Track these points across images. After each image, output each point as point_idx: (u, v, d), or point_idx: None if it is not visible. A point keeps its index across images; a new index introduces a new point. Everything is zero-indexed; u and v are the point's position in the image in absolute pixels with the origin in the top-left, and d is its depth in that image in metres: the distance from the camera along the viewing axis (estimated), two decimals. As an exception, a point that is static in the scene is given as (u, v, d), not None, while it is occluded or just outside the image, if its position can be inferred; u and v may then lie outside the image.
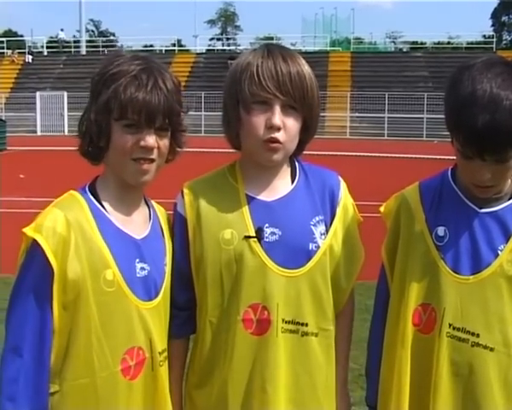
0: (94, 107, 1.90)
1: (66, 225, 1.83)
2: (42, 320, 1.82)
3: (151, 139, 1.87)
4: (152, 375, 1.96)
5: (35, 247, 1.82)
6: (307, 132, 2.06)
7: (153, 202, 2.11)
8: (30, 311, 1.82)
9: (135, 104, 1.84)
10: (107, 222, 1.92)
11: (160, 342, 1.98)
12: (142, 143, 1.87)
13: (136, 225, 1.98)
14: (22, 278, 1.84)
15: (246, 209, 2.02)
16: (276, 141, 1.96)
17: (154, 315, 1.96)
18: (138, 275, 1.93)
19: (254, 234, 1.99)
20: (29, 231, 1.83)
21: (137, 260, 1.93)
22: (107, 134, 1.89)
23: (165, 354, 2.02)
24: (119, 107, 1.85)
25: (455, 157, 1.99)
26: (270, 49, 2.00)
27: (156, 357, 1.96)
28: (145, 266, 1.94)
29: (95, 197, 1.94)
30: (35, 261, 1.82)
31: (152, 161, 1.90)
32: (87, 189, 1.96)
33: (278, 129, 1.95)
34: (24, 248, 1.85)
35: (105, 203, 1.94)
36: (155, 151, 1.90)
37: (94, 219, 1.89)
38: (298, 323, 2.01)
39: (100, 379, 1.87)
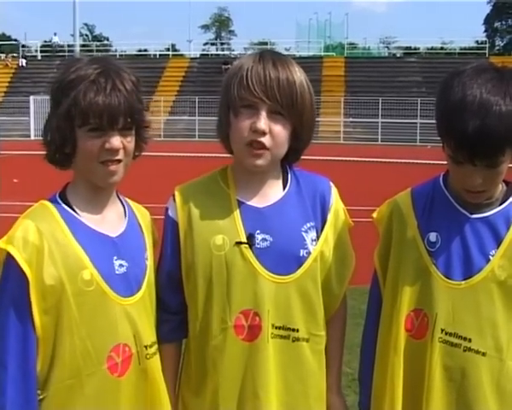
0: (56, 116, 1.92)
1: (38, 234, 1.85)
2: (24, 330, 1.83)
3: (116, 141, 1.89)
4: (140, 369, 1.96)
5: (9, 259, 1.84)
6: (299, 140, 2.06)
7: (128, 200, 2.13)
8: (11, 322, 1.83)
9: (95, 109, 1.85)
10: (80, 225, 1.93)
11: (148, 336, 1.99)
12: (108, 145, 1.88)
13: (110, 223, 2.00)
14: (1, 290, 1.86)
15: (237, 215, 2.03)
16: (261, 146, 1.97)
17: (139, 309, 1.97)
18: (117, 272, 1.94)
19: (246, 240, 2.00)
20: (1, 243, 1.85)
21: (115, 257, 1.95)
22: (72, 141, 1.90)
23: (156, 346, 2.03)
24: (80, 114, 1.86)
25: (447, 162, 2.00)
26: (263, 54, 2.02)
27: (142, 351, 1.96)
28: (123, 262, 1.96)
29: (66, 203, 1.95)
30: (11, 273, 1.84)
31: (119, 161, 1.92)
32: (57, 196, 1.98)
33: (263, 133, 1.95)
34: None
35: (76, 207, 1.95)
36: (121, 151, 1.92)
37: (66, 225, 1.91)
38: (289, 329, 2.02)
39: (86, 378, 1.88)
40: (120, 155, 1.92)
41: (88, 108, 1.85)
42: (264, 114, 1.96)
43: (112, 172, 1.92)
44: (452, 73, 1.97)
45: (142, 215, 2.13)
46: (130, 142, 1.94)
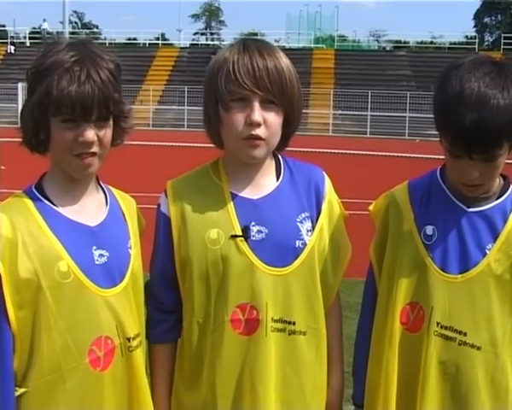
0: (30, 103, 1.86)
1: (12, 228, 1.80)
2: None
3: (90, 133, 1.83)
4: (123, 362, 1.92)
5: None
6: (290, 126, 2.03)
7: (111, 188, 2.07)
8: None
9: (68, 99, 1.78)
10: (56, 216, 1.88)
11: (131, 328, 1.94)
12: (81, 138, 1.82)
13: (89, 213, 1.94)
14: None
15: (231, 208, 2.00)
16: (258, 138, 1.93)
17: (121, 300, 1.92)
18: (97, 262, 1.89)
19: (241, 233, 1.97)
20: None
21: (94, 247, 1.89)
22: (46, 130, 1.85)
23: (139, 339, 1.98)
24: (52, 103, 1.80)
25: (436, 156, 2.00)
26: (246, 44, 1.97)
27: (125, 343, 1.92)
28: (103, 252, 1.90)
29: (42, 194, 1.90)
30: None
31: (93, 154, 1.86)
32: (33, 187, 1.92)
33: (258, 125, 1.92)
34: None
35: (52, 198, 1.90)
36: (96, 144, 1.85)
37: (41, 216, 1.85)
38: (285, 321, 1.99)
39: (67, 373, 1.83)
40: (95, 148, 1.85)
41: (60, 98, 1.78)
42: (257, 104, 1.92)
43: (86, 165, 1.86)
44: (450, 66, 1.96)
45: (126, 203, 2.07)
46: (105, 134, 1.87)
